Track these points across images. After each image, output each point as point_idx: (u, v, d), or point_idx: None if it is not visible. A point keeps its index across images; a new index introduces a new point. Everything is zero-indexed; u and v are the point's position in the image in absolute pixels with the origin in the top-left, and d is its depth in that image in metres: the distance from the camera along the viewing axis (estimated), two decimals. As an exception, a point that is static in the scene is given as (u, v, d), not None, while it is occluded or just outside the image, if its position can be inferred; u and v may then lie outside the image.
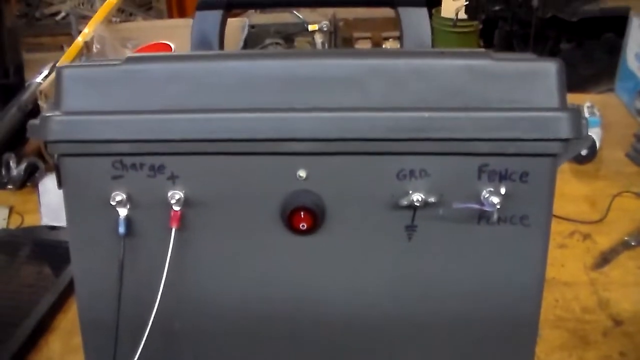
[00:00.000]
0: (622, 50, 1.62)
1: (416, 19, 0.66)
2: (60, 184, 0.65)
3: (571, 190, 1.23)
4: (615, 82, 1.67)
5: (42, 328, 0.94)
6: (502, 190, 0.59)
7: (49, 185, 1.21)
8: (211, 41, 0.68)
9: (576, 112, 0.59)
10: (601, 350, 0.89)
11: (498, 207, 0.59)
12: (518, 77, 0.58)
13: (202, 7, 0.68)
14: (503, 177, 0.60)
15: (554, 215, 0.84)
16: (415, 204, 0.59)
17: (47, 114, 0.60)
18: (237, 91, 0.58)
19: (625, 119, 1.53)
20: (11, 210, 1.22)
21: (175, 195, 0.60)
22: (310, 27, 1.40)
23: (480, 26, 4.27)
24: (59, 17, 5.03)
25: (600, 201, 1.21)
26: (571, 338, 0.91)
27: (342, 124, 0.57)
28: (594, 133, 1.35)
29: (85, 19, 2.96)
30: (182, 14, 3.07)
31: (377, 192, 0.60)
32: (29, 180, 1.27)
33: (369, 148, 0.58)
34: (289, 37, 1.38)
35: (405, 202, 0.59)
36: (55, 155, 0.62)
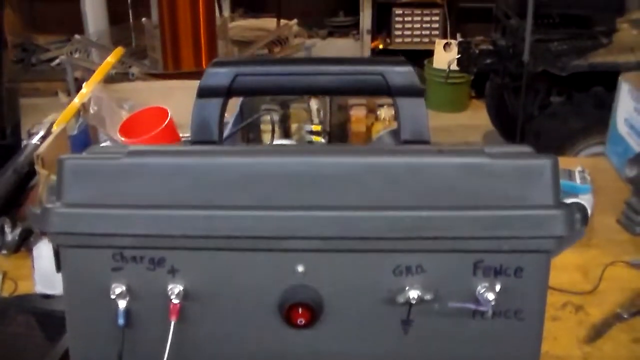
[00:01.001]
0: (612, 114, 1.64)
1: (413, 109, 0.68)
2: (59, 269, 0.66)
3: (563, 260, 1.21)
4: (606, 144, 1.70)
5: (35, 402, 0.93)
6: (497, 287, 0.60)
7: (43, 250, 1.20)
8: (211, 129, 0.69)
9: (570, 209, 0.60)
10: None
11: (493, 303, 0.60)
12: (513, 175, 0.59)
13: (202, 94, 0.69)
14: (498, 272, 0.61)
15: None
16: (412, 301, 0.60)
17: (48, 206, 0.61)
18: (237, 188, 0.59)
19: (615, 183, 1.55)
20: (5, 275, 1.21)
21: (175, 288, 0.61)
22: (306, 94, 1.42)
23: (472, 77, 4.33)
24: (54, 63, 5.07)
25: (593, 270, 1.22)
26: (565, 416, 0.91)
27: (341, 223, 0.58)
28: (586, 200, 1.37)
29: (80, 67, 2.98)
30: (177, 64, 3.09)
31: (374, 288, 0.61)
32: (23, 245, 1.27)
33: (366, 246, 0.59)
34: (284, 103, 1.40)
35: (401, 299, 0.60)
36: (56, 245, 0.63)
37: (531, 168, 0.60)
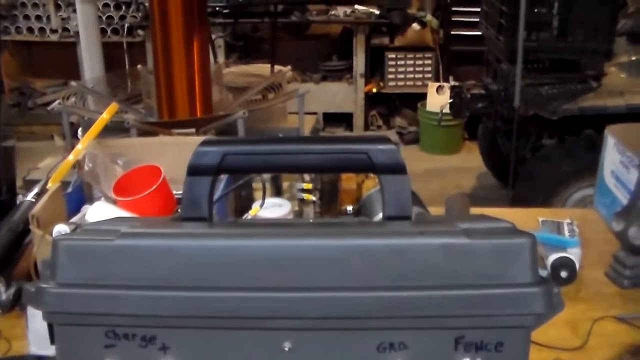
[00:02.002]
0: (599, 166, 1.67)
1: (396, 185, 0.70)
2: (52, 341, 0.68)
3: (552, 314, 1.25)
4: (594, 196, 1.72)
5: None
6: (479, 362, 0.62)
7: (37, 311, 1.22)
8: (201, 206, 0.71)
9: (548, 286, 0.62)
10: None
11: (475, 378, 0.62)
12: (492, 254, 0.62)
13: (192, 172, 0.71)
14: (479, 347, 0.62)
15: (535, 343, 0.86)
16: (395, 378, 0.61)
17: (42, 285, 0.63)
18: (226, 270, 0.61)
19: (604, 235, 1.57)
20: (-1, 335, 1.22)
21: (166, 365, 0.63)
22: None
23: (465, 120, 4.38)
24: (50, 108, 5.11)
25: (581, 325, 1.23)
26: None
27: (325, 304, 0.60)
28: (574, 254, 1.39)
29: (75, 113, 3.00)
30: (172, 110, 3.12)
31: (359, 364, 0.63)
32: (17, 304, 1.28)
33: (350, 325, 0.61)
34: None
35: (385, 377, 0.62)
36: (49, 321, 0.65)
37: (510, 247, 0.62)
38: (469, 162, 4.49)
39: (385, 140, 0.71)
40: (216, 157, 0.70)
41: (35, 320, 1.20)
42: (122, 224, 0.67)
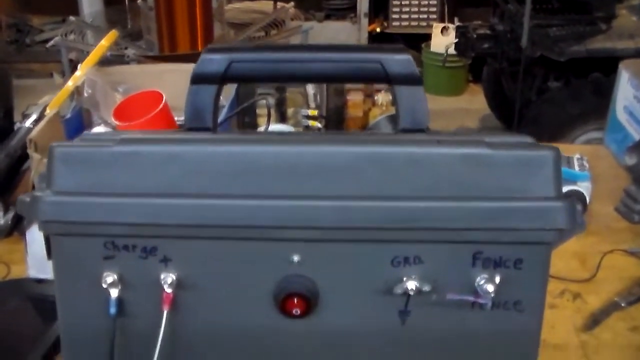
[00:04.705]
0: (611, 101, 1.63)
1: (412, 97, 0.66)
2: (50, 256, 0.65)
3: (561, 247, 1.22)
4: (605, 132, 1.69)
5: (27, 388, 0.92)
6: (497, 279, 0.59)
7: (36, 235, 1.19)
8: (205, 116, 0.67)
9: (572, 202, 0.59)
10: (592, 419, 0.89)
11: (492, 295, 0.59)
12: (514, 166, 0.58)
13: (196, 81, 0.67)
14: (497, 264, 0.60)
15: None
16: (409, 292, 0.59)
17: (38, 194, 0.60)
18: (232, 177, 0.58)
19: (614, 171, 1.54)
20: (-3, 259, 1.20)
21: (168, 278, 0.60)
22: (303, 78, 1.40)
23: (470, 61, 4.32)
24: (49, 45, 5.03)
25: (590, 258, 1.21)
26: (562, 405, 0.91)
27: (337, 213, 0.57)
28: (584, 187, 1.36)
29: (75, 49, 2.95)
30: (173, 46, 3.07)
31: (371, 278, 0.60)
32: (16, 229, 1.26)
33: (363, 236, 0.58)
34: (281, 87, 1.38)
35: (399, 290, 0.59)
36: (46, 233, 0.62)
37: (533, 159, 0.59)
38: (473, 104, 4.44)
39: (401, 49, 0.67)
40: (222, 64, 0.66)
41: (34, 244, 1.18)
42: (122, 134, 0.64)
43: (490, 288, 0.59)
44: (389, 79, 0.66)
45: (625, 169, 1.50)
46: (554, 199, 0.58)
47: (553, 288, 1.12)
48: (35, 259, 1.16)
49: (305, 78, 0.75)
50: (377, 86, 1.80)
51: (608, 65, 1.97)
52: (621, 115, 1.58)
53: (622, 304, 1.09)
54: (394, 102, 0.67)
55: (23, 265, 1.16)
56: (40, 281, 1.12)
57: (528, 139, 0.63)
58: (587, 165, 1.46)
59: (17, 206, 0.62)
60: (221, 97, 0.69)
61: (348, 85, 1.71)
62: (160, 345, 0.60)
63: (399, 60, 0.66)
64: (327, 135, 0.70)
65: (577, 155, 1.49)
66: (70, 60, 3.22)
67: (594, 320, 1.06)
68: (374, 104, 1.35)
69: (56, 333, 0.96)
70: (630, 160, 1.36)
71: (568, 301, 1.11)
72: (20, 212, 0.63)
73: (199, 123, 0.68)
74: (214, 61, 0.67)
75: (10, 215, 1.25)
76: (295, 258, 0.59)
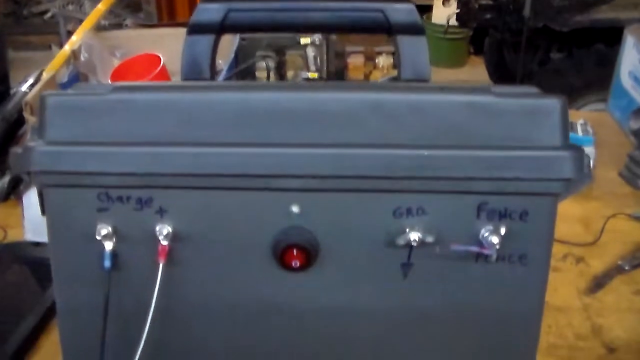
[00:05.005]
0: (615, 68, 1.61)
1: (414, 47, 0.65)
2: (43, 212, 0.63)
3: (564, 211, 1.20)
4: (608, 99, 1.66)
5: (25, 349, 0.91)
6: (502, 230, 0.58)
7: (33, 199, 1.18)
8: (202, 67, 0.65)
9: (579, 151, 0.57)
10: (595, 380, 0.88)
11: (497, 247, 0.57)
12: (520, 114, 0.56)
13: (193, 31, 0.65)
14: (502, 216, 0.58)
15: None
16: (412, 243, 0.57)
17: (30, 144, 0.58)
18: (229, 124, 0.56)
19: (618, 137, 1.52)
20: (-6, 223, 1.19)
21: (164, 229, 0.58)
22: (302, 41, 1.38)
23: (471, 33, 4.28)
24: (47, 16, 4.99)
25: (594, 222, 1.20)
26: (565, 367, 0.90)
27: (338, 161, 0.55)
28: (588, 152, 1.33)
29: (73, 20, 2.92)
30: (172, 16, 3.05)
31: (373, 230, 0.58)
32: (12, 193, 1.24)
33: (365, 185, 0.56)
34: (280, 50, 1.36)
35: (401, 242, 0.57)
36: (39, 185, 0.60)
37: (539, 107, 0.57)
38: (474, 76, 4.41)
39: (403, -3, 0.65)
40: (219, 13, 0.64)
41: (31, 208, 1.16)
42: (116, 83, 0.62)
43: (495, 240, 0.57)
44: (391, 29, 0.64)
45: (629, 135, 1.48)
46: (561, 148, 0.57)
47: (556, 251, 1.10)
48: (32, 222, 1.15)
49: (305, 27, 0.73)
50: (377, 48, 1.77)
51: (612, 35, 1.94)
52: (626, 81, 1.56)
53: (626, 268, 1.07)
54: (396, 53, 0.66)
55: (20, 229, 1.15)
56: (37, 244, 1.11)
57: (534, 89, 0.61)
58: (590, 131, 1.44)
59: (10, 159, 0.60)
60: (220, 61, 0.67)
61: (349, 48, 1.68)
62: (156, 300, 0.59)
63: (401, 9, 0.64)
64: (328, 83, 0.68)
65: (581, 121, 1.47)
66: (69, 32, 3.20)
67: (597, 284, 1.05)
68: (374, 66, 1.32)
69: (53, 296, 0.95)
70: (635, 124, 1.34)
71: (571, 264, 1.09)
72: (13, 165, 0.61)
73: (196, 75, 0.66)
74: (211, 10, 0.65)
75: (7, 179, 1.24)
76: (295, 209, 0.58)
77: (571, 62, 3.32)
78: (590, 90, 3.12)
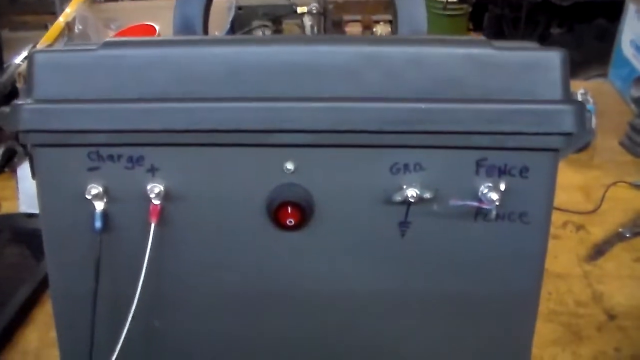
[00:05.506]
0: (616, 37, 1.59)
1: (411, 3, 0.63)
2: (34, 174, 0.62)
3: (565, 180, 1.19)
4: (609, 68, 1.65)
5: (19, 321, 0.90)
6: (502, 186, 0.56)
7: (27, 171, 1.16)
8: (195, 27, 0.64)
9: (580, 105, 0.56)
10: (596, 346, 0.87)
11: (497, 203, 0.56)
12: (520, 67, 0.55)
13: (184, -13, 0.64)
14: (502, 172, 0.57)
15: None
16: (410, 199, 0.56)
17: (19, 102, 0.56)
18: (222, 79, 0.54)
19: (618, 106, 1.51)
20: (-12, 196, 1.18)
21: (155, 188, 0.57)
22: (299, 9, 1.36)
23: (470, 9, 4.25)
24: (44, -6, 4.94)
25: (594, 191, 1.19)
26: (565, 333, 0.89)
27: (333, 115, 0.54)
28: (588, 121, 1.32)
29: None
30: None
31: (369, 187, 0.57)
32: (7, 166, 1.23)
33: (361, 140, 0.55)
34: (277, 19, 1.34)
35: (398, 198, 0.56)
36: (28, 145, 0.59)
37: (539, 60, 0.55)
38: (474, 53, 4.38)
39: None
40: (211, -32, 0.63)
41: (26, 180, 1.15)
42: (105, 39, 0.60)
43: (494, 196, 0.56)
44: (388, -17, 0.63)
45: (630, 103, 1.47)
46: (562, 102, 0.55)
47: (556, 219, 1.10)
48: (26, 195, 1.14)
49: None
50: (375, 17, 1.75)
51: (612, 10, 1.92)
52: (627, 50, 1.54)
53: (627, 235, 1.06)
54: (392, 10, 0.64)
55: (14, 201, 1.14)
56: (31, 216, 1.10)
57: (534, 44, 0.59)
58: (591, 100, 1.42)
59: (-1, 118, 0.59)
60: (216, 32, 0.66)
61: (346, 17, 1.67)
62: (148, 260, 0.57)
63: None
64: (324, 36, 0.67)
65: (581, 90, 1.45)
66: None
67: (598, 251, 1.04)
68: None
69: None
70: (637, 92, 1.33)
71: (571, 232, 1.08)
72: (2, 125, 0.60)
73: (188, 35, 0.64)
74: (203, -34, 0.63)
75: (1, 151, 1.23)
76: (289, 166, 0.56)
77: (572, 37, 3.30)
78: (590, 65, 3.09)
